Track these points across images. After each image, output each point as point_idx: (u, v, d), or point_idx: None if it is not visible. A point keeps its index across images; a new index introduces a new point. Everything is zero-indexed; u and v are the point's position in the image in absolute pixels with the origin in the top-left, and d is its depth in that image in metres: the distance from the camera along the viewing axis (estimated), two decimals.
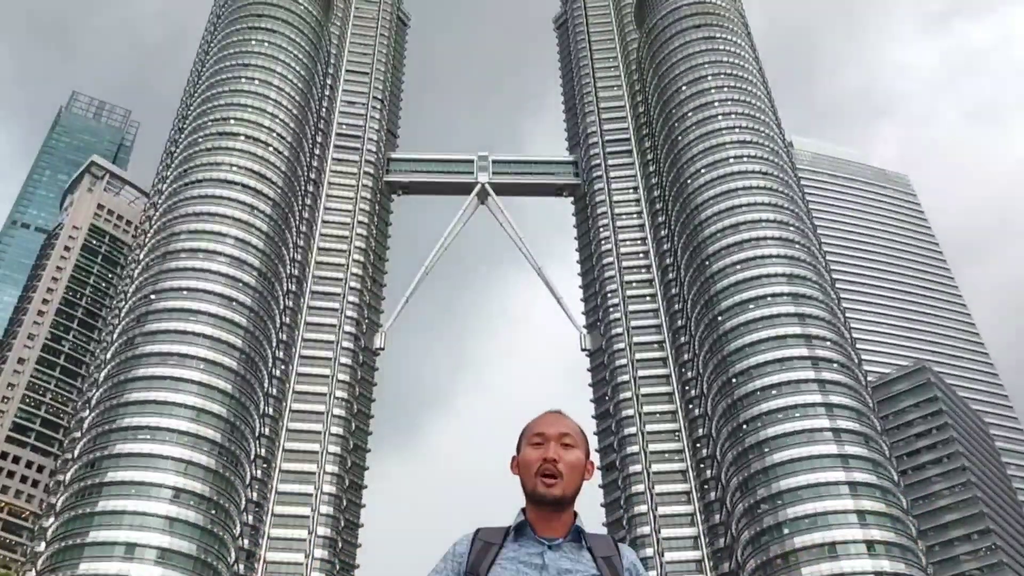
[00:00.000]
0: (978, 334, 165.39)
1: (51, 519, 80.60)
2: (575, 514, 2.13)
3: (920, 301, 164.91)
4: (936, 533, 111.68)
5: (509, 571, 1.96)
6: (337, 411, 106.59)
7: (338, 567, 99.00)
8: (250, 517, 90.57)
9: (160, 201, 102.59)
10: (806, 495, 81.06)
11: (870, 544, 78.14)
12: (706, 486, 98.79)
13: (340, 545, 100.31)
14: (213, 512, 79.94)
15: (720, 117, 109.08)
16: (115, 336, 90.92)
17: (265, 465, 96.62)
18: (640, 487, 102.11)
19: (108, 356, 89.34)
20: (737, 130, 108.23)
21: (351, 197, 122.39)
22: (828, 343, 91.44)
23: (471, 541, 2.01)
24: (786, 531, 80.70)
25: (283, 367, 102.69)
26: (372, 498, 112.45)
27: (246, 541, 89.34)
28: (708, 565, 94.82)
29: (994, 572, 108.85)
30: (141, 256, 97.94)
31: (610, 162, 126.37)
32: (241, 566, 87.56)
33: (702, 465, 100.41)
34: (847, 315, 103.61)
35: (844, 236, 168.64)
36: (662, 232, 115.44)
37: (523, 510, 2.11)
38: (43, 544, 79.04)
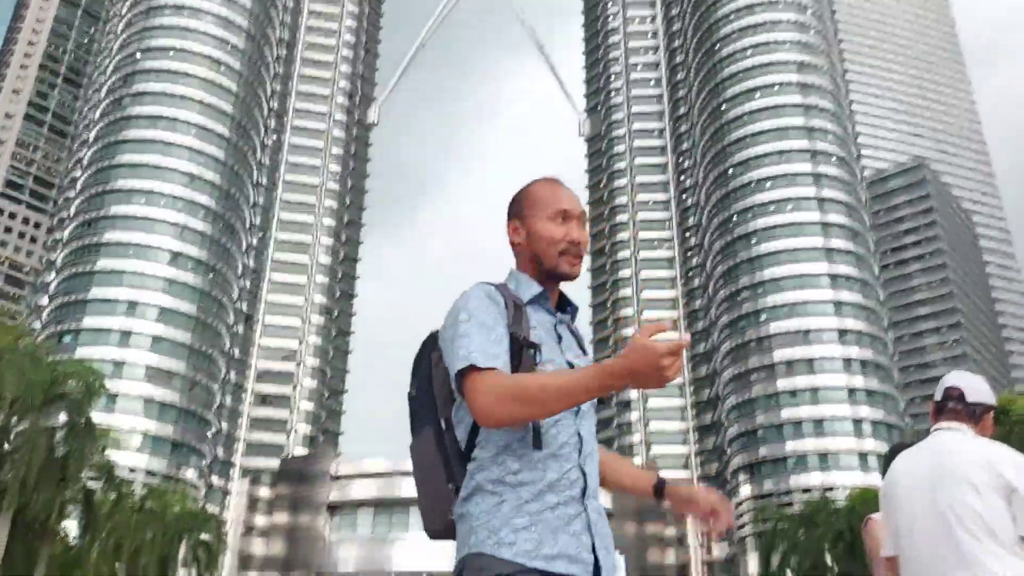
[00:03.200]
0: (982, 135, 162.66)
1: (52, 275, 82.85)
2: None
3: (929, 96, 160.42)
4: (908, 324, 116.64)
5: (546, 342, 1.86)
6: (331, 185, 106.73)
7: (334, 332, 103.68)
8: (247, 282, 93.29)
9: None
10: (787, 284, 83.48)
11: (842, 332, 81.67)
12: (691, 273, 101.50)
13: (336, 314, 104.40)
14: (211, 276, 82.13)
15: None
16: (103, 95, 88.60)
17: (261, 233, 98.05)
18: (627, 271, 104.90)
19: (97, 116, 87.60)
20: None
21: None
22: (831, 136, 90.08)
23: (501, 295, 1.86)
24: (763, 317, 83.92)
25: (275, 137, 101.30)
26: (366, 272, 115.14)
27: (244, 305, 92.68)
28: None
29: (956, 362, 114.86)
30: (123, 11, 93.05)
31: None
32: (240, 327, 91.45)
33: (689, 253, 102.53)
34: (853, 105, 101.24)
35: (862, 18, 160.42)
36: (673, 10, 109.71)
37: (514, 273, 2.00)
38: (46, 298, 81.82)
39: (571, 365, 1.87)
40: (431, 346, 1.91)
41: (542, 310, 1.93)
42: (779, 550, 47.42)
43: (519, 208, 2.00)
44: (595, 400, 1.85)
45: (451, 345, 1.77)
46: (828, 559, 44.50)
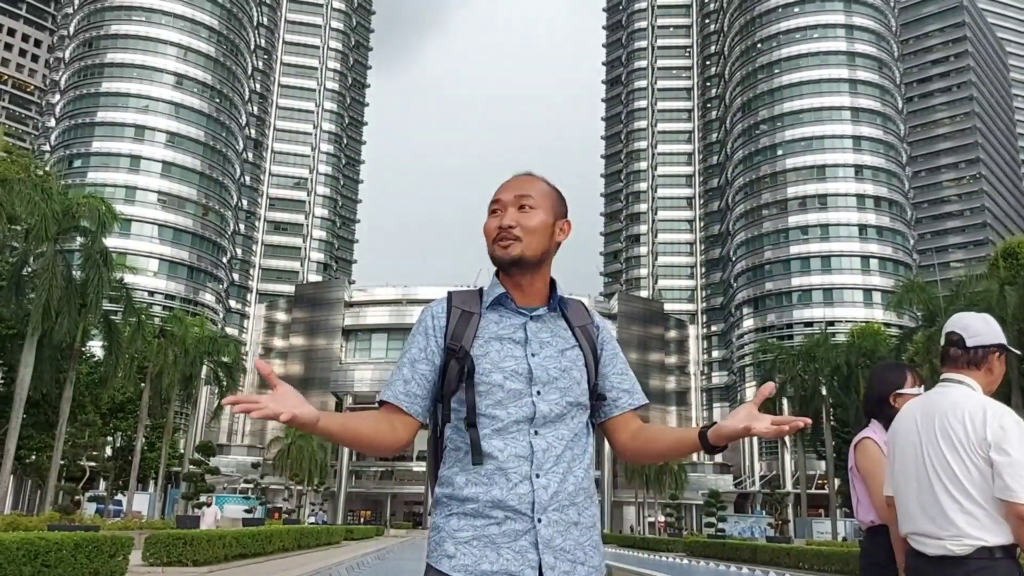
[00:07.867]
0: None
1: (57, 96, 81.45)
2: (553, 282, 1.92)
3: None
4: (926, 160, 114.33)
5: (494, 348, 1.79)
6: (337, 4, 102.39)
7: (344, 161, 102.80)
8: (255, 108, 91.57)
9: None
10: (807, 118, 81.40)
11: (859, 168, 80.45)
12: (709, 104, 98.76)
13: (345, 141, 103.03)
14: (218, 101, 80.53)
15: None
16: None
17: (266, 56, 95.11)
18: (643, 103, 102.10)
19: None
20: None
21: None
22: None
23: (447, 308, 1.83)
24: (780, 152, 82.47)
25: None
26: (374, 102, 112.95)
27: (253, 131, 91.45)
28: (698, 180, 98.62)
29: (972, 200, 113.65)
30: None
31: None
32: (250, 154, 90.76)
33: (708, 83, 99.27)
34: None
35: None
36: None
37: (497, 274, 1.92)
38: (53, 120, 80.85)
39: (530, 367, 1.80)
40: None
41: (507, 311, 1.85)
42: (776, 381, 49.08)
43: None
44: (564, 408, 1.79)
45: None
46: (823, 391, 46.15)
